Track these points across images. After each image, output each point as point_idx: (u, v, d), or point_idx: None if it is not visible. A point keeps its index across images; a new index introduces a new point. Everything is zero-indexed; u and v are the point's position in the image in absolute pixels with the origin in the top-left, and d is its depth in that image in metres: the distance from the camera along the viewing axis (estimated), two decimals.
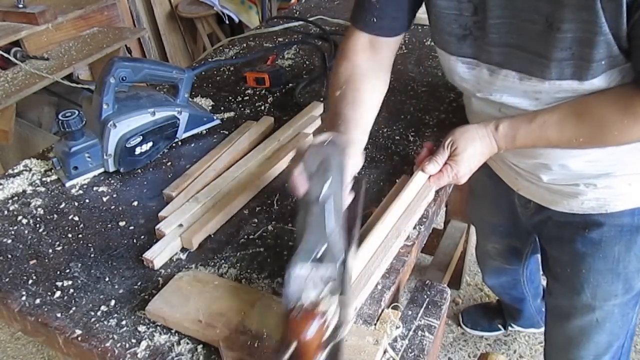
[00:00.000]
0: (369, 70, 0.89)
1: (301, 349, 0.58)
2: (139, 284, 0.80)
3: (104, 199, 0.97)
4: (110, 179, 1.02)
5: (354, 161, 0.77)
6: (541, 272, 1.55)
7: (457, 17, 0.83)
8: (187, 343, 0.71)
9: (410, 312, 0.75)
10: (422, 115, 1.17)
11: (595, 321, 1.15)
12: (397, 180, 0.96)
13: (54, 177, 1.03)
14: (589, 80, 0.76)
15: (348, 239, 0.70)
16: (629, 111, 0.75)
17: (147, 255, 0.82)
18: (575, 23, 0.69)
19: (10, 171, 1.06)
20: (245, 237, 0.87)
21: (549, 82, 0.79)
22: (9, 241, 0.89)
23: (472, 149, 0.87)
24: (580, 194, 0.95)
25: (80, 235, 0.89)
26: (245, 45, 1.57)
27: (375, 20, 0.87)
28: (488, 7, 0.77)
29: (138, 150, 1.02)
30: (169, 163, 1.06)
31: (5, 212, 0.95)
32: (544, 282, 1.31)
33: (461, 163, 0.87)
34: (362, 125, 0.84)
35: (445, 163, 0.89)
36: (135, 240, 0.88)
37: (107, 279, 0.80)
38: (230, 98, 1.28)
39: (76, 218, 0.93)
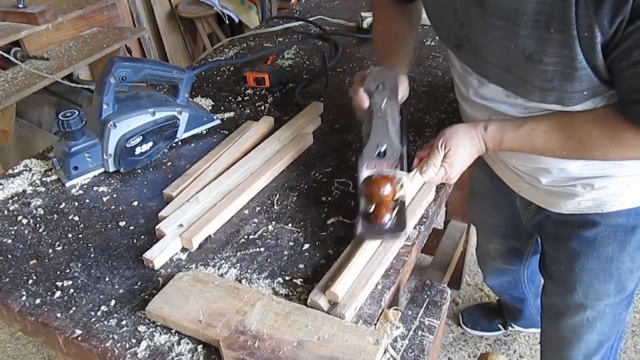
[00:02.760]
0: (400, 9, 1.04)
1: (379, 202, 0.80)
2: (139, 284, 0.80)
3: (104, 199, 0.97)
4: (110, 179, 1.02)
5: (403, 84, 0.94)
6: None
7: (448, 28, 0.86)
8: (187, 343, 0.71)
9: (410, 312, 0.75)
10: (422, 115, 1.17)
11: (587, 320, 1.15)
12: None
13: (54, 177, 1.03)
14: (572, 106, 0.78)
15: (401, 139, 0.89)
16: (613, 136, 0.77)
17: (147, 255, 0.82)
18: (556, 57, 0.70)
19: (10, 171, 1.06)
20: (245, 237, 0.87)
21: (534, 103, 0.81)
22: (9, 241, 0.89)
23: (463, 150, 0.87)
24: (577, 194, 0.95)
25: (80, 235, 0.89)
26: (245, 45, 1.57)
27: None
28: (472, 28, 0.79)
29: (138, 150, 1.02)
30: (169, 163, 1.06)
31: (5, 212, 0.95)
32: (542, 281, 1.31)
33: (454, 165, 0.88)
34: (401, 55, 1.00)
35: (440, 166, 0.89)
36: (135, 240, 0.88)
37: (107, 279, 0.80)
38: (230, 98, 1.28)
39: (76, 218, 0.93)
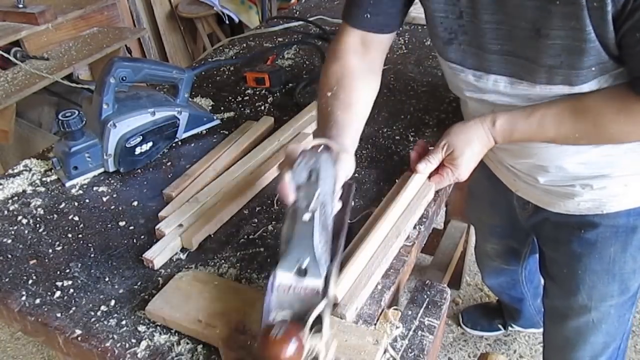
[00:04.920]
0: (361, 72, 0.88)
1: None
2: (139, 284, 0.80)
3: (104, 199, 0.97)
4: (110, 179, 1.02)
5: (346, 167, 0.76)
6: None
7: (443, 19, 0.83)
8: (187, 343, 0.71)
9: (410, 312, 0.75)
10: (422, 115, 1.17)
11: (592, 322, 1.15)
12: (397, 180, 0.96)
13: (54, 177, 1.03)
14: (580, 85, 0.76)
15: (333, 251, 0.70)
16: (625, 111, 0.76)
17: (147, 255, 0.82)
18: (563, 31, 0.69)
19: (10, 171, 1.06)
20: (245, 237, 0.87)
21: (540, 86, 0.79)
22: (9, 241, 0.89)
23: (470, 151, 0.86)
24: (576, 195, 0.95)
25: (80, 235, 0.89)
26: (245, 45, 1.57)
27: (369, 16, 0.86)
28: (477, 12, 0.77)
29: (138, 150, 1.02)
30: (169, 163, 1.06)
31: (5, 212, 0.95)
32: (543, 283, 1.31)
33: (461, 167, 0.87)
34: (354, 128, 0.83)
35: (445, 167, 0.89)
36: (135, 240, 0.88)
37: (107, 279, 0.80)
38: (230, 98, 1.28)
39: (76, 218, 0.93)
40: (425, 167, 0.87)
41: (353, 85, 0.86)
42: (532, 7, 0.70)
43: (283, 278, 0.66)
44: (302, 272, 0.67)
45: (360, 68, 0.88)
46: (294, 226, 0.66)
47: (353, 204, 0.84)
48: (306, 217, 0.65)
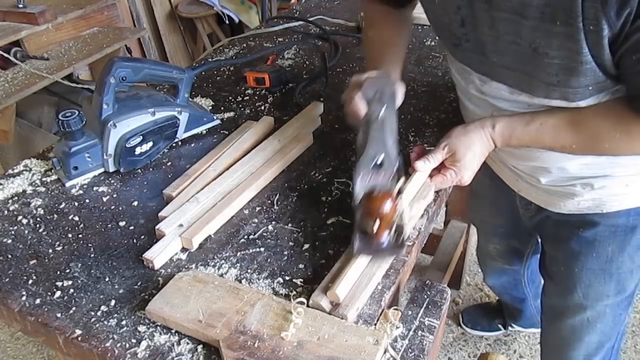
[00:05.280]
0: (394, 14, 1.03)
1: (379, 220, 0.77)
2: (139, 284, 0.80)
3: (104, 199, 0.97)
4: (110, 179, 1.02)
5: (400, 93, 0.93)
6: None
7: (447, 26, 0.84)
8: (187, 343, 0.71)
9: (410, 312, 0.75)
10: (422, 115, 1.17)
11: (587, 321, 1.15)
12: None
13: (54, 177, 1.03)
14: (577, 102, 0.78)
15: (398, 149, 0.86)
16: (621, 127, 0.77)
17: (147, 255, 0.82)
18: (561, 51, 0.70)
19: (10, 171, 1.06)
20: (245, 237, 0.87)
21: (538, 99, 0.81)
22: (9, 241, 0.89)
23: (472, 153, 0.87)
24: (577, 194, 0.95)
25: (80, 235, 0.89)
26: (245, 45, 1.57)
27: None
28: (477, 24, 0.78)
29: (138, 150, 1.02)
30: (169, 163, 1.06)
31: (5, 212, 0.95)
32: (542, 282, 1.32)
33: (464, 169, 0.88)
34: (396, 62, 0.98)
35: (448, 168, 0.89)
36: (135, 240, 0.88)
37: (107, 279, 0.80)
38: (230, 98, 1.28)
39: (76, 218, 0.93)
40: (423, 165, 0.87)
41: (390, 25, 1.03)
42: (528, 27, 0.70)
43: (364, 172, 0.82)
44: (378, 167, 0.83)
45: (393, 13, 1.04)
46: (368, 132, 0.84)
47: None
48: (378, 122, 0.84)
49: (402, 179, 0.84)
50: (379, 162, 0.83)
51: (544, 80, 0.75)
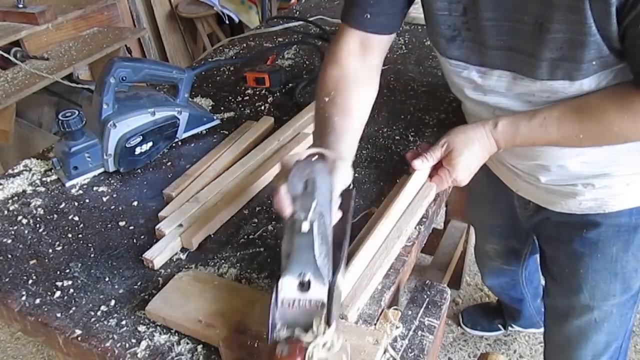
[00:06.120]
0: (359, 76, 0.87)
1: None
2: (139, 284, 0.80)
3: (104, 199, 0.97)
4: (110, 179, 1.02)
5: (343, 175, 0.75)
6: (540, 273, 1.56)
7: (446, 17, 0.82)
8: (187, 343, 0.71)
9: (410, 312, 0.75)
10: (422, 115, 1.17)
11: (594, 321, 1.15)
12: (397, 180, 0.96)
13: (54, 177, 1.03)
14: (580, 80, 0.76)
15: (336, 261, 0.68)
16: (629, 108, 0.75)
17: (147, 255, 0.82)
18: (565, 24, 0.69)
19: (10, 171, 1.06)
20: (245, 237, 0.87)
21: (541, 82, 0.79)
22: (9, 241, 0.89)
23: (469, 153, 0.86)
24: (578, 194, 0.95)
25: (80, 235, 0.89)
26: (245, 45, 1.57)
27: (369, 16, 0.85)
28: (479, 9, 0.77)
29: (138, 150, 1.02)
30: (169, 163, 1.06)
31: (5, 212, 0.95)
32: (544, 283, 1.31)
33: (458, 168, 0.86)
34: (352, 134, 0.82)
35: (443, 167, 0.88)
36: (135, 240, 0.88)
37: (107, 279, 0.80)
38: (230, 98, 1.28)
39: (76, 218, 0.93)
40: (421, 164, 0.86)
41: (351, 90, 0.84)
42: (535, 1, 0.70)
43: (287, 293, 0.65)
44: (305, 286, 0.65)
45: (359, 71, 0.87)
46: (293, 239, 0.64)
47: (354, 203, 0.83)
48: (305, 228, 0.63)
49: (332, 308, 0.64)
50: (305, 280, 0.65)
51: (548, 57, 0.74)
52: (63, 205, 0.96)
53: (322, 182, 0.67)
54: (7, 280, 0.81)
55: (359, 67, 0.87)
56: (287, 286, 0.65)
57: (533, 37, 0.73)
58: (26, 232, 0.91)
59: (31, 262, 0.84)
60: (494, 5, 0.75)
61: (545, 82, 0.78)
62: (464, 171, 0.87)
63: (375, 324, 0.72)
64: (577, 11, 0.67)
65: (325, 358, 0.61)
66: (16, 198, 0.99)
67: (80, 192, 0.99)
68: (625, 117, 0.76)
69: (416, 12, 1.07)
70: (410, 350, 0.69)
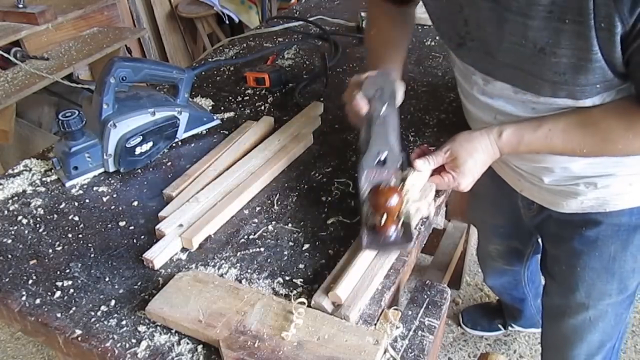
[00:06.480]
0: (395, 13, 1.03)
1: (386, 214, 0.77)
2: (139, 284, 0.80)
3: (104, 199, 0.97)
4: (110, 179, 1.02)
5: (400, 91, 0.94)
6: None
7: (451, 25, 0.84)
8: (187, 343, 0.71)
9: (410, 312, 0.75)
10: (422, 115, 1.17)
11: (589, 320, 1.15)
12: None
13: (54, 177, 1.03)
14: (583, 100, 0.77)
15: (401, 144, 0.88)
16: (634, 126, 0.76)
17: (147, 255, 0.82)
18: (569, 50, 0.69)
19: (10, 171, 1.06)
20: (245, 237, 0.87)
21: (544, 98, 0.80)
22: (9, 241, 0.89)
23: (473, 161, 0.86)
24: (580, 193, 0.95)
25: (80, 235, 0.89)
26: (245, 45, 1.57)
27: None
28: (481, 23, 0.77)
29: (138, 150, 1.02)
30: (169, 163, 1.06)
31: (5, 212, 0.95)
32: (544, 282, 1.32)
33: (463, 175, 0.87)
34: (397, 61, 0.99)
35: (447, 172, 0.89)
36: (135, 240, 0.88)
37: (107, 279, 0.80)
38: (230, 98, 1.28)
39: (76, 218, 0.93)
40: (423, 165, 0.87)
41: (391, 27, 1.03)
42: (535, 27, 0.69)
43: (369, 169, 0.84)
44: (381, 163, 0.84)
45: (396, 10, 1.03)
46: (370, 129, 0.85)
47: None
48: (380, 120, 0.85)
49: (408, 174, 0.85)
50: (382, 159, 0.84)
51: (550, 79, 0.75)
52: (63, 205, 0.96)
53: (389, 88, 0.90)
54: (7, 280, 0.81)
55: (396, 8, 1.04)
56: (368, 161, 0.84)
57: (535, 59, 0.73)
58: (26, 232, 0.91)
59: (31, 262, 0.84)
60: (495, 23, 0.75)
61: (548, 98, 0.79)
62: (468, 178, 0.88)
63: (375, 324, 0.72)
64: (583, 38, 0.67)
65: (413, 184, 0.84)
66: (16, 198, 0.99)
67: (80, 192, 0.99)
68: (630, 136, 0.77)
69: (416, 11, 1.07)
70: (410, 350, 0.69)
